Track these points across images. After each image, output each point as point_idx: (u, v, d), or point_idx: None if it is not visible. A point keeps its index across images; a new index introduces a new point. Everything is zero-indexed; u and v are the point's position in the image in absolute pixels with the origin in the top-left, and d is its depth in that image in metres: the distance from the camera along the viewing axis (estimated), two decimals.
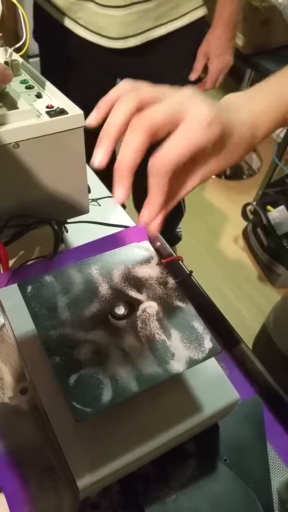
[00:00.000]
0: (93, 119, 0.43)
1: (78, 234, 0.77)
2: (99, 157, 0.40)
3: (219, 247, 2.07)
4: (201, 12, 1.15)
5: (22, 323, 0.52)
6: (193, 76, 1.24)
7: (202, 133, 0.39)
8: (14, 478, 0.49)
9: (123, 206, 0.90)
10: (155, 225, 0.44)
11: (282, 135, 2.24)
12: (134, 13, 1.05)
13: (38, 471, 0.50)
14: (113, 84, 1.25)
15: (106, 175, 0.97)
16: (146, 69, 1.15)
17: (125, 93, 0.41)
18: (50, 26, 1.17)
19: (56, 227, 0.68)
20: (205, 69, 1.26)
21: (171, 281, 0.52)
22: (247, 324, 1.68)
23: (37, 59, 2.30)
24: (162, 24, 1.11)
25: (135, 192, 1.49)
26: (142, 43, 1.11)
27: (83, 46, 1.14)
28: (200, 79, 1.28)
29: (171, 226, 1.76)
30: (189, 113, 0.39)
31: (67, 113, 0.60)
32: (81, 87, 1.23)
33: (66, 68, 1.23)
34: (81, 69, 1.22)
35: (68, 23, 1.13)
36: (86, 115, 1.42)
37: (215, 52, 1.18)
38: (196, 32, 1.19)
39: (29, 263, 0.71)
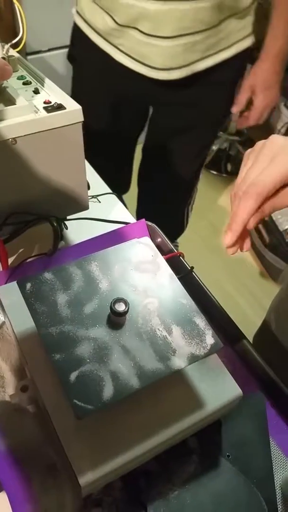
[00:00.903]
0: (229, 241, 0.50)
1: (78, 231, 0.77)
2: (229, 241, 0.49)
3: (221, 243, 2.06)
4: (248, 42, 1.08)
5: (22, 320, 0.51)
6: (235, 109, 1.17)
7: None
8: (15, 476, 0.49)
9: (123, 202, 0.89)
10: (244, 247, 0.51)
11: (283, 130, 2.24)
12: (182, 45, 0.98)
13: (40, 468, 0.49)
14: (145, 110, 1.23)
15: (106, 171, 0.97)
16: (184, 99, 1.12)
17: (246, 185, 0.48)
18: (88, 49, 1.12)
19: (55, 224, 0.68)
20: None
21: (172, 277, 0.51)
22: (248, 319, 1.68)
23: (36, 56, 2.31)
24: (209, 56, 1.05)
25: (141, 198, 1.50)
26: (186, 76, 1.05)
27: (122, 73, 1.08)
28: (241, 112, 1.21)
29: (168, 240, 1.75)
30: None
31: (64, 108, 0.60)
32: (112, 111, 1.20)
33: (99, 92, 1.18)
34: (115, 95, 1.17)
35: (108, 48, 1.07)
36: (111, 136, 1.37)
37: (262, 86, 1.11)
38: (240, 62, 1.12)
39: (28, 260, 0.70)
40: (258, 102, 1.13)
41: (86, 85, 1.22)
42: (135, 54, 1.03)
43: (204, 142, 1.27)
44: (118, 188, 0.98)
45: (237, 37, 1.05)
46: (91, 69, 1.17)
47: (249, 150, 0.53)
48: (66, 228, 0.74)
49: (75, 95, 1.25)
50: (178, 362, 0.44)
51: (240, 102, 1.15)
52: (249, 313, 1.75)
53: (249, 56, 1.14)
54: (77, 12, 1.12)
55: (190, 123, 1.18)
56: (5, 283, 0.65)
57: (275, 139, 0.49)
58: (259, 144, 0.51)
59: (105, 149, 1.25)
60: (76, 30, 1.14)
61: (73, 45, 1.21)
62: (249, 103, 1.16)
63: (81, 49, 1.17)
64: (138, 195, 1.49)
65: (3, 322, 0.62)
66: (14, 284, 0.50)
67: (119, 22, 0.98)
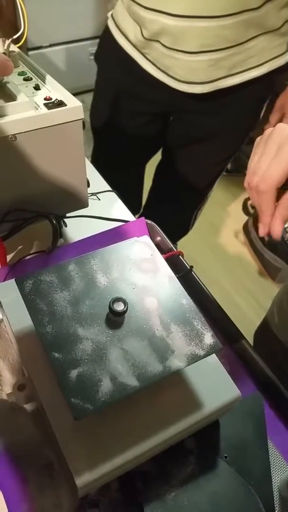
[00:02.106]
0: (264, 233, 0.55)
1: (77, 228, 0.76)
2: (264, 232, 0.54)
3: (220, 241, 2.06)
4: (283, 61, 1.03)
5: (20, 319, 0.51)
6: (267, 128, 1.15)
7: None
8: (12, 475, 0.48)
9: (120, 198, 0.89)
10: (275, 231, 0.53)
11: None
12: (205, 61, 0.95)
13: (36, 468, 0.49)
14: (165, 120, 1.21)
15: (105, 169, 0.96)
16: (208, 112, 1.10)
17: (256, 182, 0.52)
18: (115, 53, 1.11)
19: (54, 222, 0.68)
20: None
21: (171, 276, 0.51)
22: (247, 318, 1.68)
23: (37, 51, 2.30)
24: (237, 73, 1.00)
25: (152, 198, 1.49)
26: (209, 91, 1.02)
27: (147, 80, 1.07)
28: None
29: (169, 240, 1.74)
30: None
31: (65, 105, 0.59)
32: (130, 118, 1.19)
33: (121, 96, 1.17)
34: (136, 102, 1.16)
35: (135, 55, 1.06)
36: (117, 139, 1.33)
37: None
38: (270, 79, 1.07)
39: (27, 258, 0.70)
40: (286, 121, 1.10)
41: (108, 87, 1.21)
42: (160, 64, 1.03)
43: (225, 153, 1.25)
44: (132, 205, 0.96)
45: (270, 55, 1.01)
46: (115, 73, 1.17)
47: (258, 138, 0.55)
48: (66, 226, 0.74)
49: (96, 97, 1.25)
50: (177, 362, 0.44)
51: (271, 122, 1.12)
52: (247, 311, 1.75)
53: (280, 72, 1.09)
54: (112, 16, 1.12)
55: (209, 134, 1.17)
56: (4, 281, 0.65)
57: (282, 128, 0.52)
58: (267, 132, 0.54)
59: (119, 161, 1.26)
60: (106, 33, 1.14)
61: (101, 47, 1.20)
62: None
63: (108, 52, 1.16)
64: (149, 193, 1.49)
65: (1, 320, 0.61)
66: (12, 282, 0.50)
67: (145, 36, 0.98)
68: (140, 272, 0.51)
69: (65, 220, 0.73)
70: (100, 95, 1.25)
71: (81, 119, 0.60)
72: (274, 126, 1.13)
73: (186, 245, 1.56)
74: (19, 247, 0.73)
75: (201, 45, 0.93)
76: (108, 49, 1.16)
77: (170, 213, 1.36)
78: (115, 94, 1.18)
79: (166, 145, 1.31)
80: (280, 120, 1.11)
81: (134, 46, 1.06)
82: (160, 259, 0.53)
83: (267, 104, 1.16)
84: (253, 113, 1.16)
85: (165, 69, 1.02)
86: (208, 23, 0.88)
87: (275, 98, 1.11)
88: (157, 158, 1.40)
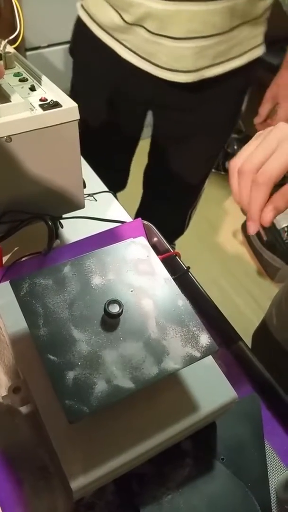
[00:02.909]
0: (254, 231, 0.53)
1: (73, 229, 0.76)
2: (254, 230, 0.52)
3: (218, 241, 2.06)
4: (259, 52, 1.05)
5: (15, 321, 0.51)
6: (256, 120, 1.13)
7: None
8: (6, 478, 0.48)
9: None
10: (265, 220, 0.51)
11: None
12: (191, 48, 0.94)
13: (31, 470, 0.49)
14: (145, 111, 1.20)
15: (102, 169, 0.96)
16: (187, 105, 1.09)
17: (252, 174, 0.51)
18: (90, 44, 1.09)
19: (50, 223, 0.67)
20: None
21: (167, 278, 0.51)
22: (245, 318, 1.68)
23: (35, 52, 2.29)
24: (220, 63, 1.00)
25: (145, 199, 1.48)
26: (193, 81, 1.01)
27: (125, 69, 1.05)
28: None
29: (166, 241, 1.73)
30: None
31: (61, 106, 0.59)
32: (111, 107, 1.17)
33: (99, 87, 1.15)
34: (116, 91, 1.14)
35: (111, 43, 1.04)
36: (108, 133, 1.30)
37: (285, 96, 1.07)
38: (250, 70, 1.08)
39: (23, 259, 0.70)
40: (282, 112, 1.10)
41: (86, 79, 1.20)
42: (141, 52, 1.01)
43: (211, 150, 1.25)
44: (114, 186, 0.95)
45: (249, 45, 1.02)
46: (92, 64, 1.15)
47: (258, 132, 0.55)
48: (62, 227, 0.74)
49: (74, 89, 1.23)
50: (173, 364, 0.43)
51: (261, 114, 1.12)
52: (246, 311, 1.75)
53: (259, 65, 1.11)
54: (82, 6, 1.10)
55: (193, 131, 1.16)
56: None
57: (283, 126, 0.51)
58: (268, 129, 0.53)
59: (101, 147, 1.23)
60: (79, 24, 1.12)
61: (75, 39, 1.19)
62: (271, 113, 1.14)
63: (83, 43, 1.15)
64: (143, 196, 1.48)
65: None
66: (7, 284, 0.49)
67: (127, 21, 0.96)
68: (136, 274, 0.51)
69: (61, 221, 0.73)
70: (78, 87, 1.23)
71: (76, 120, 0.60)
72: (264, 117, 1.12)
73: (184, 244, 1.55)
74: (15, 249, 0.73)
75: (188, 30, 0.92)
76: (82, 40, 1.14)
77: (164, 214, 1.35)
78: (92, 86, 1.17)
79: (152, 148, 1.30)
80: (271, 110, 1.12)
81: (110, 34, 1.03)
82: (156, 260, 0.53)
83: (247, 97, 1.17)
84: (235, 106, 1.16)
85: (148, 56, 1.00)
86: (197, 7, 0.88)
87: (255, 90, 1.12)
88: (144, 161, 1.39)
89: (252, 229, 0.52)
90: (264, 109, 1.12)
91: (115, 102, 1.16)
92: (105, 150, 1.25)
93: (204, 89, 1.05)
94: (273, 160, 0.50)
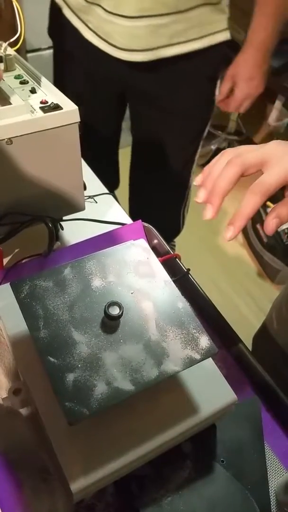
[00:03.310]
0: (199, 181, 0.51)
1: (73, 231, 0.76)
2: (210, 214, 0.50)
3: (218, 243, 2.06)
4: (223, 36, 1.07)
5: (16, 323, 0.51)
6: (218, 99, 1.18)
7: None
8: (7, 480, 0.48)
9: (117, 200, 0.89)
10: (269, 229, 0.49)
11: (282, 131, 2.23)
12: (144, 26, 0.97)
13: (31, 472, 0.49)
14: (122, 95, 1.22)
15: (102, 171, 0.96)
16: (155, 87, 1.11)
17: (231, 157, 0.49)
18: (62, 25, 1.12)
19: (50, 225, 0.67)
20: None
21: (167, 280, 0.51)
22: (245, 320, 1.68)
23: (36, 54, 2.29)
24: (177, 43, 1.02)
25: (132, 200, 1.49)
26: (150, 60, 1.03)
27: (91, 51, 1.08)
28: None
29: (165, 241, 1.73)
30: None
31: (61, 108, 0.59)
32: (88, 90, 1.19)
33: (76, 70, 1.18)
34: (89, 74, 1.16)
35: (78, 25, 1.07)
36: (90, 119, 1.32)
37: (242, 76, 1.11)
38: (218, 56, 1.11)
39: (23, 261, 0.70)
40: (238, 92, 1.14)
41: (65, 62, 1.22)
42: (101, 32, 1.04)
43: (189, 134, 1.26)
44: (106, 180, 0.96)
45: (210, 29, 1.04)
46: (66, 46, 1.18)
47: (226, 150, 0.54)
48: (62, 229, 0.74)
49: (56, 74, 1.26)
50: (173, 366, 0.43)
51: (221, 92, 1.16)
52: (246, 313, 1.75)
53: (232, 51, 1.13)
54: None
55: (164, 119, 1.18)
56: (0, 284, 0.65)
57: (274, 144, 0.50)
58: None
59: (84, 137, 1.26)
60: (53, 4, 1.15)
61: (51, 20, 1.21)
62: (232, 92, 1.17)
63: (57, 24, 1.18)
64: (130, 196, 1.49)
65: None
66: (7, 286, 0.50)
67: None
68: (136, 276, 0.51)
69: (62, 223, 0.73)
70: (57, 74, 1.26)
71: (77, 122, 0.60)
72: (225, 95, 1.13)
73: (184, 246, 1.56)
74: (16, 251, 0.73)
75: (139, 9, 0.94)
76: (55, 21, 1.17)
77: (156, 215, 1.36)
78: (69, 71, 1.20)
79: (134, 142, 1.32)
80: (231, 90, 1.15)
81: (76, 14, 1.06)
82: (156, 262, 0.53)
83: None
84: (205, 93, 1.18)
85: (106, 36, 1.03)
86: None
87: None
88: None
89: (232, 234, 0.50)
90: (224, 87, 1.15)
91: (89, 84, 1.19)
92: (87, 140, 1.28)
93: (164, 70, 1.07)
94: (272, 171, 0.49)
